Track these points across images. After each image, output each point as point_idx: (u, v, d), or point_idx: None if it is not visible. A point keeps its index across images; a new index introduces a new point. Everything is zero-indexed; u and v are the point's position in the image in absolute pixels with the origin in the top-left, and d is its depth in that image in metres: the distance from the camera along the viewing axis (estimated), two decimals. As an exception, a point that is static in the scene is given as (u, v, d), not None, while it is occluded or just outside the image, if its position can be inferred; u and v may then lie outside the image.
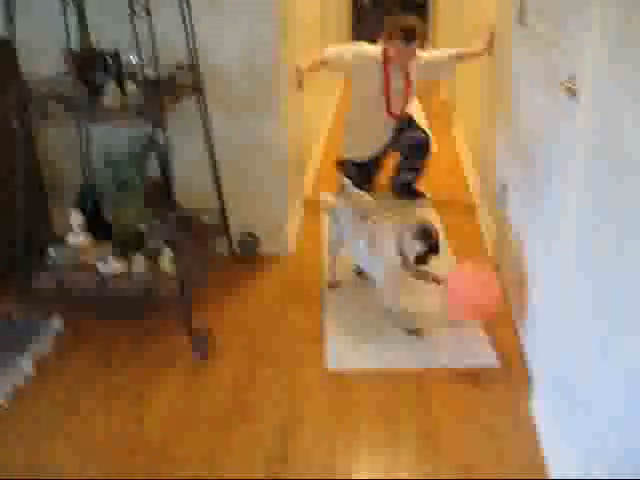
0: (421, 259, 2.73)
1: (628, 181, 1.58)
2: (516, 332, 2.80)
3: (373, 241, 2.84)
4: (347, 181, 3.19)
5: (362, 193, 3.12)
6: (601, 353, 1.76)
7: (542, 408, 2.29)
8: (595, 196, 1.86)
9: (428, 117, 6.11)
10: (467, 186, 4.54)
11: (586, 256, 1.92)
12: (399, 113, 4.06)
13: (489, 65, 3.97)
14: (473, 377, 2.57)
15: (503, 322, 2.87)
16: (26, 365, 2.65)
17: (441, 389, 2.50)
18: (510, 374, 2.58)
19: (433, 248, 2.72)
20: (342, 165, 4.24)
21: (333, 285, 3.20)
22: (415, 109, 4.51)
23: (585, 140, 1.94)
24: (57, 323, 2.89)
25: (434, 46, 7.28)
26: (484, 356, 2.68)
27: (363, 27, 9.80)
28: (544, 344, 2.39)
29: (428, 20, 8.58)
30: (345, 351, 2.73)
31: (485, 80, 4.15)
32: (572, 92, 2.06)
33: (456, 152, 5.29)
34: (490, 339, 2.77)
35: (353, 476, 2.12)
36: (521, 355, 2.66)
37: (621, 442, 1.61)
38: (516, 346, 2.72)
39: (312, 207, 4.15)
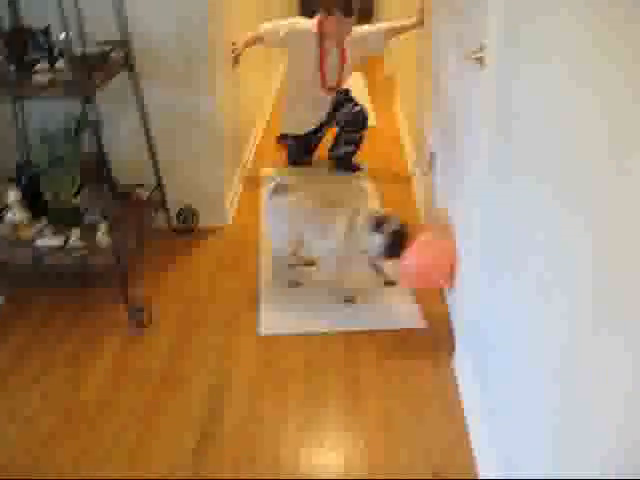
0: (390, 251, 2.73)
1: (515, 138, 1.72)
2: (444, 299, 2.94)
3: (324, 233, 2.85)
4: (277, 180, 3.07)
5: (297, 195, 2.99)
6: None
7: (461, 362, 2.44)
8: (493, 158, 2.00)
9: (371, 93, 6.26)
10: (405, 158, 4.67)
11: (488, 214, 2.06)
12: (335, 87, 4.16)
13: (423, 40, 4.09)
14: (400, 338, 2.70)
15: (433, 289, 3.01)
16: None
17: (368, 349, 2.63)
18: (436, 335, 2.72)
19: (397, 238, 2.71)
20: (282, 139, 4.32)
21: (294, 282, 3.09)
22: (352, 83, 4.61)
23: (489, 107, 2.07)
24: (-4, 298, 2.95)
25: (379, 21, 7.37)
26: (412, 319, 2.82)
27: (312, 3, 9.81)
28: (461, 302, 2.54)
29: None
30: (277, 318, 2.85)
31: (422, 55, 4.27)
32: (479, 61, 2.18)
33: (397, 127, 5.41)
34: (419, 304, 2.90)
35: (280, 427, 2.25)
36: (448, 319, 2.80)
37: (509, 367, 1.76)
38: (444, 312, 2.86)
39: (251, 181, 4.25)
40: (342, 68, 4.11)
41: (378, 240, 2.73)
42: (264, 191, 3.51)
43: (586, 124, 1.23)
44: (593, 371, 1.20)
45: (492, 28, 2.00)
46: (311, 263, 3.14)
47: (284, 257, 3.07)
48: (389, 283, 3.02)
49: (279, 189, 2.96)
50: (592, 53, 1.21)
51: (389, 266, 2.99)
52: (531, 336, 1.59)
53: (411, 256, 2.66)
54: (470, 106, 2.41)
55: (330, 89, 4.13)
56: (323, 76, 4.05)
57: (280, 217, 2.97)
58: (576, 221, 1.28)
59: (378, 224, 2.73)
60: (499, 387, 1.92)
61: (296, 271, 3.09)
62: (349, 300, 2.93)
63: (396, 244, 2.71)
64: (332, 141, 4.39)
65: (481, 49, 2.12)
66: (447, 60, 2.98)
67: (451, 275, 2.65)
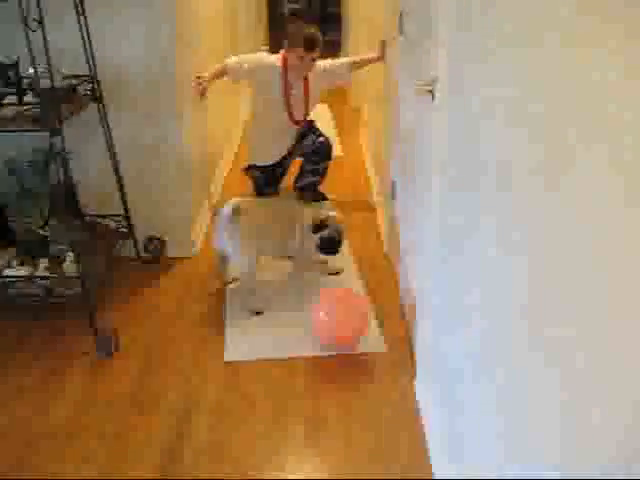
0: (327, 248, 3.21)
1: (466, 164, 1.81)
2: (406, 323, 3.01)
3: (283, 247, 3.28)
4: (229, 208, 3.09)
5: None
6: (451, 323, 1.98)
7: (422, 386, 2.51)
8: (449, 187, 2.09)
9: (338, 124, 6.39)
10: (370, 188, 4.77)
11: (445, 235, 2.15)
12: (301, 119, 4.25)
13: (385, 72, 4.22)
14: (362, 362, 2.77)
15: (393, 313, 3.09)
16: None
17: (329, 374, 2.70)
18: (397, 358, 2.79)
19: (332, 238, 3.19)
20: (248, 170, 4.40)
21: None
22: (319, 114, 4.71)
23: (440, 138, 2.17)
24: (-37, 328, 2.96)
25: (345, 54, 7.55)
26: (373, 342, 2.88)
27: (282, 36, 9.98)
28: (421, 322, 2.61)
29: (342, 30, 8.86)
30: (241, 343, 2.90)
31: (384, 87, 4.40)
32: (430, 93, 2.29)
33: (362, 157, 5.53)
34: (380, 329, 2.98)
35: (246, 450, 2.29)
36: (409, 342, 2.87)
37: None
38: (404, 336, 2.93)
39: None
40: (307, 100, 4.21)
41: (316, 241, 3.19)
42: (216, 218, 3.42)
43: (520, 148, 1.33)
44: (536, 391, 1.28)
45: (442, 62, 2.10)
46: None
47: (253, 274, 3.14)
48: (333, 273, 3.45)
49: (235, 212, 3.03)
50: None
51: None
52: (485, 361, 1.67)
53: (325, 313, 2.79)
54: (423, 136, 2.52)
55: (297, 122, 4.23)
56: (289, 109, 4.15)
57: (243, 234, 3.07)
58: (513, 237, 1.37)
59: (316, 228, 3.17)
60: (460, 412, 1.99)
61: (258, 298, 3.16)
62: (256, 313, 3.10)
63: (330, 245, 3.22)
64: (297, 172, 4.47)
65: (432, 82, 2.23)
66: (404, 91, 3.09)
67: (361, 331, 2.84)
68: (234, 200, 3.10)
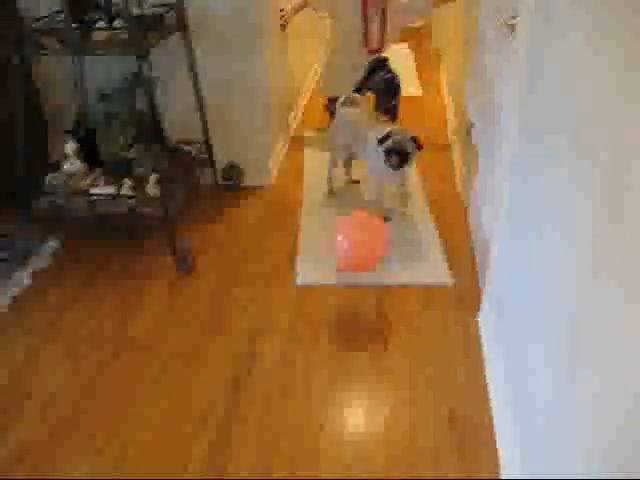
0: (397, 163, 3.18)
1: (542, 99, 1.82)
2: (474, 258, 3.05)
3: (364, 145, 3.34)
4: (342, 98, 3.57)
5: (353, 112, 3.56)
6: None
7: (486, 320, 2.56)
8: (523, 120, 2.09)
9: (418, 65, 6.32)
10: (448, 128, 4.74)
11: (517, 176, 2.16)
12: (376, 50, 4.24)
13: (466, 11, 4.15)
14: (429, 293, 2.83)
15: (463, 250, 3.13)
16: (26, 278, 2.93)
17: (397, 303, 2.77)
18: (463, 293, 2.84)
19: (404, 157, 3.16)
20: (330, 104, 4.43)
21: (332, 191, 3.69)
22: (398, 55, 4.69)
23: (519, 74, 2.16)
24: (54, 243, 3.16)
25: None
26: (441, 276, 2.94)
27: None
28: (489, 264, 2.65)
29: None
30: (314, 269, 3.00)
31: (464, 26, 4.33)
32: (511, 28, 2.27)
33: (441, 97, 5.47)
34: (450, 263, 3.02)
35: (312, 370, 2.41)
36: (476, 278, 2.92)
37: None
38: (472, 271, 2.98)
39: (296, 143, 4.40)
40: (384, 33, 4.19)
41: (381, 155, 3.18)
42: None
43: (601, 89, 1.34)
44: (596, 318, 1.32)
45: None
46: (357, 181, 3.79)
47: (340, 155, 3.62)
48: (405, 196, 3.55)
49: (347, 102, 3.52)
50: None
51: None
52: (546, 295, 1.71)
53: (345, 240, 2.80)
54: (503, 74, 2.50)
55: (371, 51, 4.22)
56: (366, 41, 4.15)
57: (339, 125, 3.52)
58: (585, 170, 1.39)
59: (381, 140, 3.17)
60: (519, 345, 2.04)
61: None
62: (387, 219, 3.32)
63: (396, 158, 3.16)
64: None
65: (514, 17, 2.21)
66: (485, 29, 3.05)
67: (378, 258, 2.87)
68: (352, 95, 3.61)
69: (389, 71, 4.32)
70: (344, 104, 3.57)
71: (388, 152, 3.14)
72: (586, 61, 1.43)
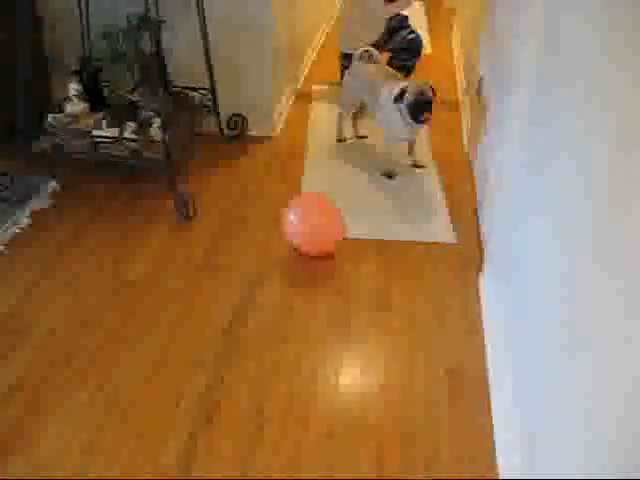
0: (417, 111, 3.11)
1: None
2: (479, 217, 3.03)
3: (379, 92, 3.30)
4: (359, 51, 3.58)
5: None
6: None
7: (487, 280, 2.55)
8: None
9: (432, 22, 6.22)
10: (456, 86, 4.69)
11: (525, 143, 2.13)
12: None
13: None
14: (432, 250, 2.82)
15: (469, 211, 3.10)
16: (25, 216, 2.91)
17: (400, 259, 2.76)
18: (467, 251, 2.82)
19: (426, 104, 3.10)
20: (344, 59, 4.36)
21: (341, 140, 3.73)
22: (413, 12, 4.59)
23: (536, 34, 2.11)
24: (54, 183, 3.13)
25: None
26: (446, 235, 2.92)
27: None
28: (493, 225, 2.63)
29: None
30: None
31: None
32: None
33: (452, 57, 5.39)
34: (454, 224, 3.00)
35: (309, 318, 2.41)
36: (480, 239, 2.89)
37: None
38: (477, 231, 2.96)
39: (304, 96, 4.35)
40: None
41: (400, 107, 3.15)
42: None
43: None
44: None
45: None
46: (365, 136, 3.77)
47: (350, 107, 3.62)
48: (417, 166, 3.47)
49: (362, 56, 3.55)
50: None
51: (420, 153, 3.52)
52: (546, 265, 1.69)
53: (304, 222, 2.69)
54: (515, 33, 2.46)
55: (388, 1, 4.13)
56: None
57: (354, 77, 3.53)
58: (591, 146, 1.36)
59: (401, 94, 3.12)
60: (519, 309, 2.02)
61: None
62: (389, 175, 3.34)
63: (417, 110, 3.11)
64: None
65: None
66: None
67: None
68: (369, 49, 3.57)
69: (412, 31, 4.26)
70: (361, 58, 3.55)
71: (414, 106, 3.10)
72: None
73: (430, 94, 3.11)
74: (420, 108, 3.10)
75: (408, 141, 3.42)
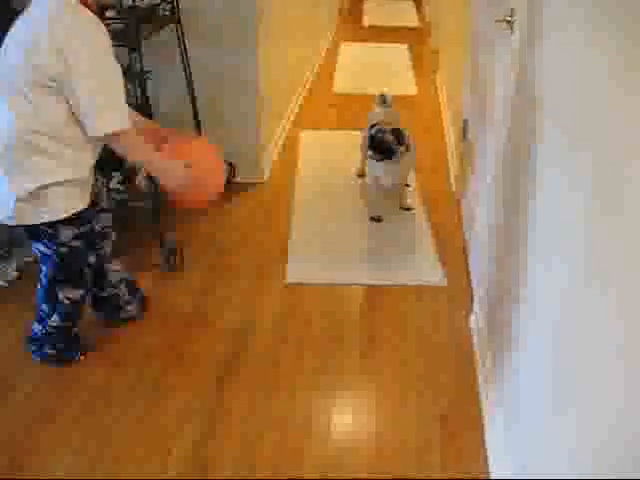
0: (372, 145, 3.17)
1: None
2: (467, 258, 3.02)
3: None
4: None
5: None
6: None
7: (477, 321, 2.53)
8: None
9: (416, 65, 6.32)
10: (443, 124, 4.73)
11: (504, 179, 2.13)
12: None
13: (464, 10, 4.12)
14: (421, 292, 2.80)
15: (456, 249, 3.10)
16: (11, 270, 2.89)
17: (388, 302, 2.75)
18: (456, 292, 2.81)
19: (382, 144, 3.15)
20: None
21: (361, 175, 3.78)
22: (397, 56, 4.66)
23: (513, 67, 2.13)
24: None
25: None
26: (434, 276, 2.91)
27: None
28: (480, 263, 2.62)
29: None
30: (304, 267, 2.97)
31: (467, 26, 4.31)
32: (510, 25, 2.24)
33: (437, 97, 5.46)
34: (441, 263, 3.00)
35: (296, 369, 2.38)
36: (468, 279, 2.89)
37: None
38: (465, 270, 2.95)
39: (291, 141, 4.37)
40: None
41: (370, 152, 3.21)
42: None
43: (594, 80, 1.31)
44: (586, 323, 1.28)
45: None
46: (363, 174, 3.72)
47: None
48: (405, 208, 3.47)
49: (380, 100, 3.63)
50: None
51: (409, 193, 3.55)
52: (537, 299, 1.68)
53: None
54: (497, 73, 2.48)
55: None
56: None
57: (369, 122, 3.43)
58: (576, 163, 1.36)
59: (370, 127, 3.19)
60: (512, 349, 2.00)
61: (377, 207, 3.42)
62: (377, 219, 3.35)
63: (372, 145, 3.16)
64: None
65: (512, 14, 2.19)
66: (480, 28, 3.03)
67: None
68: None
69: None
70: (377, 103, 3.64)
71: (370, 139, 3.17)
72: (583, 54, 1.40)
73: (388, 139, 3.13)
74: (375, 145, 3.14)
75: (385, 187, 3.35)
